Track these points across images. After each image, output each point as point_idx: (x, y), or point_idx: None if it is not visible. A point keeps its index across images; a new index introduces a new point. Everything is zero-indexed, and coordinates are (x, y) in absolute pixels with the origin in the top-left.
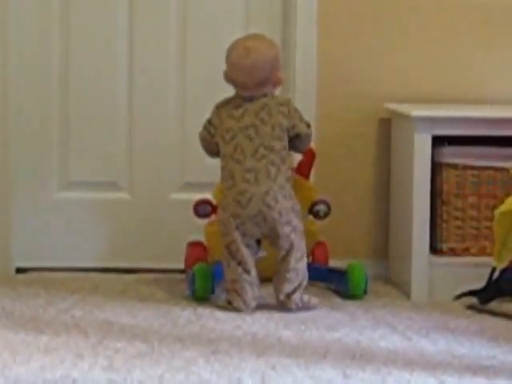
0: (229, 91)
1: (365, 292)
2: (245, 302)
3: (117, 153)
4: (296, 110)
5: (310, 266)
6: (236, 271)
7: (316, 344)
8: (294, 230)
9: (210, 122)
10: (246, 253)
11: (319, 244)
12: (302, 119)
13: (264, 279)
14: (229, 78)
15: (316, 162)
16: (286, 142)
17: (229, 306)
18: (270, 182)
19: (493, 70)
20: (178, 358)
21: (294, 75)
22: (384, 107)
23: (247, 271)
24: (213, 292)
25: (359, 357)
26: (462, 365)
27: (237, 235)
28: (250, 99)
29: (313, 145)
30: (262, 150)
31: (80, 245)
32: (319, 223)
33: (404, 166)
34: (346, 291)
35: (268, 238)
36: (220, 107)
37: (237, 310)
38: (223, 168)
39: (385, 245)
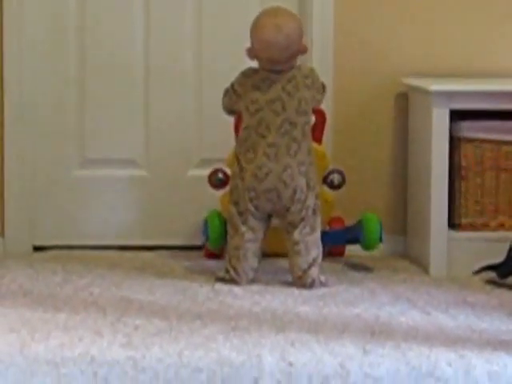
0: (247, 65)
1: (380, 240)
2: (243, 269)
3: (134, 130)
4: (318, 79)
5: (326, 233)
6: (242, 238)
7: (335, 320)
8: (305, 208)
9: (233, 88)
10: (255, 224)
11: (336, 219)
12: (319, 88)
13: (280, 254)
14: (257, 55)
15: (333, 136)
16: (310, 116)
17: (226, 276)
18: (288, 159)
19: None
20: (196, 334)
21: (310, 49)
22: (401, 81)
23: (253, 241)
24: (226, 240)
25: (378, 332)
26: (482, 339)
27: (250, 206)
28: (278, 72)
29: (323, 107)
30: (286, 126)
31: (97, 222)
32: (334, 194)
33: (422, 141)
34: (361, 241)
35: (278, 213)
36: (246, 76)
37: (234, 281)
38: (245, 139)
39: (403, 220)
